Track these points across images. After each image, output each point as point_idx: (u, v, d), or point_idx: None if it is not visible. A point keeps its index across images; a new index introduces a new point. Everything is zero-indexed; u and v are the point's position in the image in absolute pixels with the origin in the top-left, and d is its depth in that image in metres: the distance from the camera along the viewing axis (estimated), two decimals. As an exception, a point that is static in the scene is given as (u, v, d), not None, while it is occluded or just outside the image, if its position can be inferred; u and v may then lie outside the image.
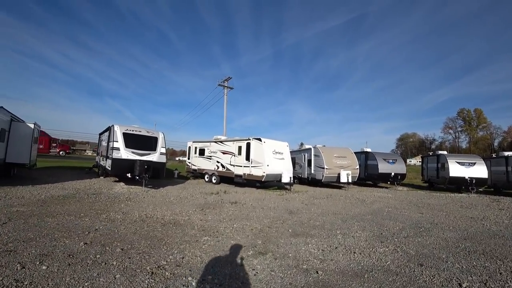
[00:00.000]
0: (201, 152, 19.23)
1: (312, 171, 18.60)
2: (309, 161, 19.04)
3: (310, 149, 19.24)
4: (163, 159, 14.26)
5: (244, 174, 15.05)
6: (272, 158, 14.59)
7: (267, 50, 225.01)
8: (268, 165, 14.04)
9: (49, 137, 40.62)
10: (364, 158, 21.44)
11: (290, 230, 6.40)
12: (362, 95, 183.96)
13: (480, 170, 17.66)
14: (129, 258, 4.21)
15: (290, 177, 14.68)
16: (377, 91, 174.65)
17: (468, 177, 17.32)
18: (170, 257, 4.36)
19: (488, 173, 17.94)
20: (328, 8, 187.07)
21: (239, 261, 4.33)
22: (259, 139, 14.62)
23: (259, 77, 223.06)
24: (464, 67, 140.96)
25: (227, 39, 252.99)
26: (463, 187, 17.90)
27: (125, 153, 12.93)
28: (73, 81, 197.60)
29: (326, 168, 17.33)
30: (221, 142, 17.51)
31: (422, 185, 23.17)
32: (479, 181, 17.42)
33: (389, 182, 20.07)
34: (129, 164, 12.69)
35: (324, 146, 19.54)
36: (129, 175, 12.73)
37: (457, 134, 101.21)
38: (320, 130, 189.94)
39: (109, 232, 5.57)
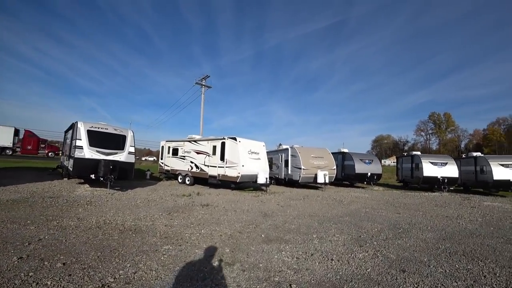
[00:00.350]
0: (175, 152, 18.36)
1: (289, 172, 18.25)
2: (286, 162, 18.66)
3: (287, 149, 18.86)
4: (131, 159, 13.37)
5: (219, 175, 14.41)
6: (248, 158, 14.06)
7: (248, 50, 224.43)
8: (243, 166, 13.48)
9: (37, 138, 37.78)
10: (341, 158, 21.43)
11: (263, 235, 5.88)
12: (340, 98, 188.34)
13: (451, 170, 18.08)
14: (69, 275, 3.53)
15: (266, 178, 14.19)
16: (354, 94, 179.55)
17: (441, 177, 17.66)
18: (120, 272, 3.72)
19: (459, 172, 18.42)
20: (310, 12, 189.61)
21: (201, 274, 3.75)
22: (234, 139, 14.04)
23: (240, 78, 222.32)
24: (436, 73, 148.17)
25: (208, 39, 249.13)
26: (436, 186, 18.25)
27: (89, 152, 12.00)
28: (43, 76, 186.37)
29: (303, 169, 17.03)
30: (195, 141, 16.75)
31: (396, 184, 23.54)
32: (451, 180, 17.83)
33: (365, 182, 20.14)
34: (93, 164, 11.76)
35: (302, 146, 19.27)
36: (93, 176, 11.79)
37: (428, 136, 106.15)
38: (299, 131, 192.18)
39: (55, 243, 4.81)
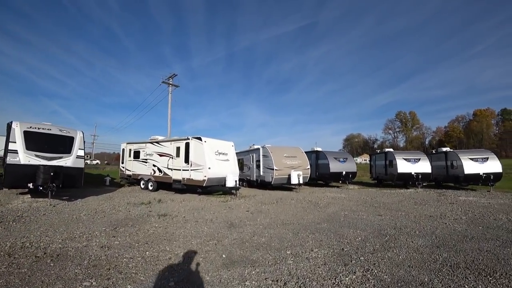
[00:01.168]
0: (136, 154, 16.60)
1: (261, 173, 17.11)
2: (258, 162, 17.49)
3: (258, 149, 17.67)
4: (80, 163, 11.65)
5: (183, 178, 12.96)
6: (215, 159, 12.72)
7: (220, 52, 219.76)
8: (209, 168, 12.13)
9: None
10: (315, 157, 20.62)
11: (224, 256, 4.62)
12: (312, 98, 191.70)
13: (424, 166, 17.89)
14: None
15: (236, 181, 12.88)
16: (326, 94, 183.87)
17: (414, 173, 17.39)
18: None
19: (431, 168, 18.30)
20: (280, 14, 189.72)
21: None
22: (199, 138, 12.64)
23: (212, 79, 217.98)
24: (401, 74, 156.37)
25: (179, 39, 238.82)
26: (410, 183, 18.00)
27: (25, 157, 10.25)
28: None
29: (275, 169, 15.95)
30: (157, 143, 15.14)
31: (370, 182, 23.17)
32: (424, 176, 17.61)
33: (340, 181, 19.48)
34: (30, 171, 10.06)
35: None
36: (31, 185, 10.02)
37: (395, 134, 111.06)
38: (272, 132, 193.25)
39: None
